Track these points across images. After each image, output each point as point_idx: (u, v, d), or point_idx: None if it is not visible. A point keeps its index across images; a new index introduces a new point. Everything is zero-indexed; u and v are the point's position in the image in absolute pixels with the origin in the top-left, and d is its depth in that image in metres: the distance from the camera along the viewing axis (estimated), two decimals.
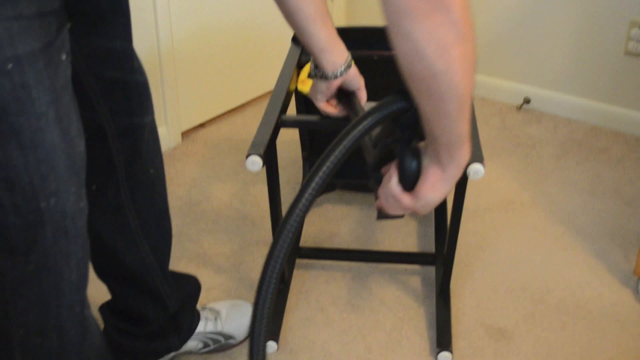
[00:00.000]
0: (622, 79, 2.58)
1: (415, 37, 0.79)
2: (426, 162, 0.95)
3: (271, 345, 1.61)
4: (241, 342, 1.65)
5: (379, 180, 1.05)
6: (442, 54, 0.79)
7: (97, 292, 1.44)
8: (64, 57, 0.95)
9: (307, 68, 1.80)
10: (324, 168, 0.87)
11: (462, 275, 1.86)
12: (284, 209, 1.69)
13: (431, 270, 1.89)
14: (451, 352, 1.61)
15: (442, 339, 1.64)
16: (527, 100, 2.79)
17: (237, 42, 2.65)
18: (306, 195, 0.87)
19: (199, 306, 1.62)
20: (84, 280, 1.07)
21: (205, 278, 1.82)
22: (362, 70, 1.65)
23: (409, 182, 0.97)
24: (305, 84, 1.79)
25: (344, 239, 2.01)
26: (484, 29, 2.77)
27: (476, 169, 1.37)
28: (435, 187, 0.95)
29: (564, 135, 2.61)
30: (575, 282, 1.86)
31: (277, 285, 0.89)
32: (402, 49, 0.81)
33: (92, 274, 1.17)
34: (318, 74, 1.34)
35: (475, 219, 2.08)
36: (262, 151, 1.39)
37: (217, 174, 2.34)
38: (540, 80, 2.78)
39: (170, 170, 2.34)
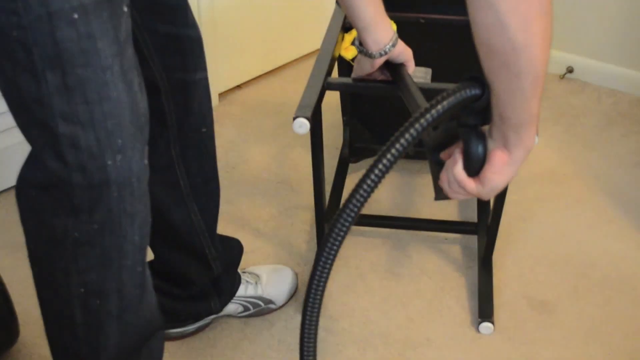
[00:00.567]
0: None
1: (500, 9, 0.77)
2: (491, 146, 0.92)
3: None
4: (280, 307, 1.64)
5: (437, 161, 1.02)
6: (525, 27, 0.78)
7: None
8: (125, 9, 0.93)
9: (351, 34, 1.76)
10: (393, 151, 0.84)
11: (504, 245, 1.83)
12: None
13: (472, 240, 1.86)
14: (493, 323, 1.59)
15: (484, 309, 1.62)
16: (570, 70, 2.72)
17: (276, 4, 2.60)
18: (372, 177, 0.84)
19: (239, 269, 1.61)
20: (146, 241, 1.05)
21: (243, 241, 1.80)
22: (408, 35, 1.61)
23: (475, 168, 0.94)
24: (348, 51, 1.76)
25: (384, 206, 1.99)
26: None
27: None
28: (501, 171, 0.93)
29: (608, 106, 2.54)
30: (619, 256, 1.83)
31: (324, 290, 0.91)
32: (483, 20, 0.79)
33: None
34: (362, 50, 1.30)
35: (517, 189, 2.04)
36: (309, 114, 1.36)
37: (254, 136, 2.31)
38: (585, 50, 2.70)
39: None
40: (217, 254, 1.47)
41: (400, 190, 2.05)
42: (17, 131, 0.96)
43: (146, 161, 1.00)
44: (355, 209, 0.85)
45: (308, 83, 1.49)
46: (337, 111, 2.16)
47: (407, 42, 1.49)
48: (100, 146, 0.91)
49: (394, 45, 1.29)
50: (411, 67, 1.37)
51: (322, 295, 0.94)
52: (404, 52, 1.33)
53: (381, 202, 2.00)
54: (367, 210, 1.96)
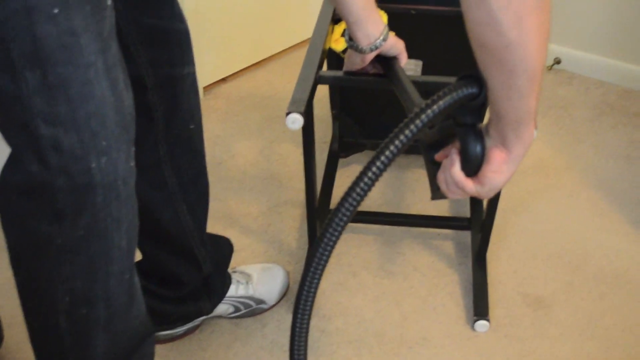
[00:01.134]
0: None
1: (492, 5, 0.74)
2: (489, 144, 0.89)
3: None
4: (272, 306, 1.60)
5: (433, 161, 1.00)
6: (518, 22, 0.75)
7: None
8: (109, 2, 0.89)
9: (341, 26, 1.72)
10: (387, 153, 0.82)
11: (497, 240, 1.81)
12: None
13: (464, 235, 1.83)
14: (488, 320, 1.57)
15: (479, 307, 1.60)
16: (557, 61, 2.70)
17: None
18: (365, 179, 0.82)
19: (229, 269, 1.57)
20: (133, 245, 1.01)
21: (233, 239, 1.76)
22: (399, 26, 1.58)
23: (473, 168, 0.92)
24: (338, 43, 1.72)
25: (375, 202, 1.96)
26: None
27: None
28: (500, 170, 0.90)
29: (597, 97, 2.53)
30: (613, 249, 1.81)
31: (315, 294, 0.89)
32: (475, 16, 0.76)
33: None
34: (353, 45, 1.27)
35: (509, 183, 2.01)
36: (302, 109, 1.32)
37: (241, 130, 2.27)
38: (572, 41, 2.68)
39: None
40: (207, 254, 1.43)
41: (391, 185, 2.01)
42: None
43: (132, 163, 0.96)
44: (349, 212, 0.84)
45: (300, 77, 1.44)
46: (325, 105, 2.12)
47: (398, 34, 1.46)
48: (83, 148, 0.87)
49: (385, 40, 1.26)
50: (403, 60, 1.34)
51: (314, 296, 0.91)
52: (395, 45, 1.30)
53: (372, 197, 1.97)
54: (358, 207, 1.93)
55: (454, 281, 1.70)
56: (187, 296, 1.47)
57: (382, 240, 1.82)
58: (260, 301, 1.58)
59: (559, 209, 1.95)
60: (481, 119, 0.92)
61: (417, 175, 2.05)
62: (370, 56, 1.28)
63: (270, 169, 2.08)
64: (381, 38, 1.25)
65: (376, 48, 1.26)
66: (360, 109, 2.00)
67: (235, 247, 1.59)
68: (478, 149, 0.90)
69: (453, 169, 0.93)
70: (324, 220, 1.87)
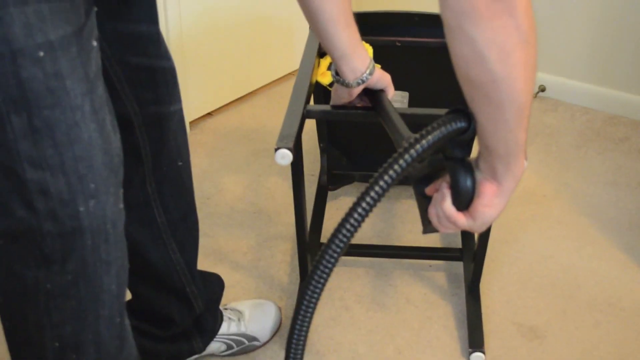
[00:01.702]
0: None
1: (477, 41, 0.74)
2: (479, 177, 0.89)
3: None
4: (265, 343, 1.58)
5: (424, 195, 0.99)
6: (504, 58, 0.75)
7: None
8: (94, 43, 0.88)
9: (327, 59, 1.72)
10: (377, 188, 0.81)
11: (489, 270, 1.80)
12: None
13: (456, 266, 1.82)
14: (484, 352, 1.55)
15: (474, 339, 1.58)
16: (542, 89, 2.72)
17: (245, 30, 2.56)
18: (355, 215, 0.82)
19: (220, 306, 1.55)
20: (123, 288, 0.99)
21: (223, 275, 1.74)
22: (385, 58, 1.58)
23: (464, 202, 0.91)
24: (324, 76, 1.72)
25: (365, 234, 1.94)
26: None
27: None
28: (492, 203, 0.89)
29: (582, 124, 2.54)
30: (605, 277, 1.80)
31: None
32: (461, 52, 0.76)
33: None
34: (339, 79, 1.26)
35: None
36: (291, 144, 1.31)
37: (228, 165, 2.26)
38: (556, 68, 2.71)
39: None
40: (198, 292, 1.41)
41: (381, 217, 2.01)
42: None
43: (121, 205, 0.94)
44: (340, 248, 0.83)
45: (287, 111, 1.44)
46: (312, 137, 2.12)
47: (384, 66, 1.46)
48: (71, 192, 0.86)
49: (371, 74, 1.25)
50: (390, 93, 1.34)
51: (306, 334, 0.90)
52: (382, 79, 1.30)
53: (362, 229, 1.93)
54: None
55: (447, 313, 1.68)
56: (178, 335, 1.45)
57: (373, 273, 1.80)
58: (252, 338, 1.55)
59: (549, 237, 1.95)
60: (470, 152, 0.92)
61: (407, 206, 2.04)
62: (357, 90, 1.28)
63: (259, 204, 2.07)
64: (367, 72, 1.24)
65: (362, 82, 1.25)
66: (348, 142, 2.00)
67: (226, 284, 1.57)
68: (468, 182, 0.90)
69: (444, 203, 0.92)
70: (315, 254, 1.85)
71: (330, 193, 2.07)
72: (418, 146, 0.82)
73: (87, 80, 0.85)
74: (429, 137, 0.83)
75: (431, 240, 1.91)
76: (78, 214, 0.87)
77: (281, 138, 1.34)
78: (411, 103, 1.78)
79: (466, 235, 1.83)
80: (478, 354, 1.54)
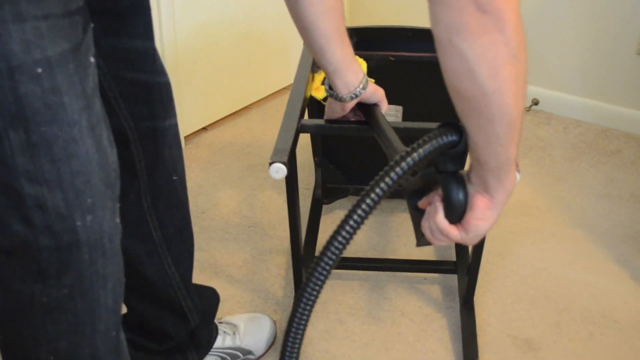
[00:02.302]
0: (634, 80, 2.53)
1: (467, 56, 0.75)
2: (471, 190, 0.89)
3: None
4: (260, 357, 1.58)
5: (417, 208, 1.00)
6: (494, 73, 0.76)
7: None
8: (92, 59, 0.88)
9: (321, 74, 1.73)
10: (368, 201, 0.82)
11: (483, 283, 1.81)
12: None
13: (451, 279, 1.83)
14: None
15: (469, 351, 1.59)
16: (535, 102, 2.74)
17: (240, 44, 2.58)
18: (347, 228, 0.82)
19: (215, 319, 1.55)
20: (120, 302, 0.99)
21: (218, 289, 1.74)
22: (378, 72, 1.60)
23: (457, 215, 0.92)
24: (319, 91, 1.73)
25: (360, 247, 1.95)
26: None
27: None
28: (484, 216, 0.90)
29: (575, 137, 2.56)
30: (599, 289, 1.81)
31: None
32: (452, 67, 0.77)
33: None
34: (332, 94, 1.28)
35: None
36: (285, 158, 1.32)
37: (223, 179, 2.26)
38: (549, 82, 2.73)
39: None
40: (194, 306, 1.41)
41: (376, 230, 2.01)
42: None
43: (118, 219, 0.95)
44: (332, 260, 0.83)
45: (282, 126, 1.45)
46: (307, 151, 2.13)
47: (377, 80, 1.47)
48: (68, 206, 0.86)
49: (364, 88, 1.27)
50: (384, 107, 1.35)
51: (299, 347, 0.90)
52: (375, 93, 1.31)
53: (357, 242, 1.96)
54: (343, 252, 1.92)
55: (442, 326, 1.69)
56: (173, 349, 1.45)
57: (368, 286, 1.81)
58: (247, 352, 1.55)
59: (543, 250, 1.96)
60: (462, 165, 0.92)
61: (401, 219, 2.05)
62: (351, 104, 1.29)
63: (254, 217, 2.07)
64: (360, 87, 1.26)
65: (356, 96, 1.27)
66: (343, 156, 2.01)
67: (221, 297, 1.57)
68: (461, 195, 0.90)
69: (437, 217, 0.92)
70: (308, 267, 1.86)
71: (325, 207, 2.08)
72: (409, 159, 0.83)
73: (85, 96, 0.85)
74: (420, 151, 0.84)
75: (426, 253, 1.92)
76: (75, 228, 0.87)
77: (275, 152, 1.35)
78: (405, 117, 1.80)
79: (460, 248, 1.84)
80: None
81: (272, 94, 2.83)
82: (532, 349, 1.62)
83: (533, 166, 2.36)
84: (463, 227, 0.92)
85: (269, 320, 1.62)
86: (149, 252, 1.31)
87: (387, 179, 0.82)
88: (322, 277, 0.84)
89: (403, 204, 2.02)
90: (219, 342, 1.52)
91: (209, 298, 1.51)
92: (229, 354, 1.53)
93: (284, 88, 2.86)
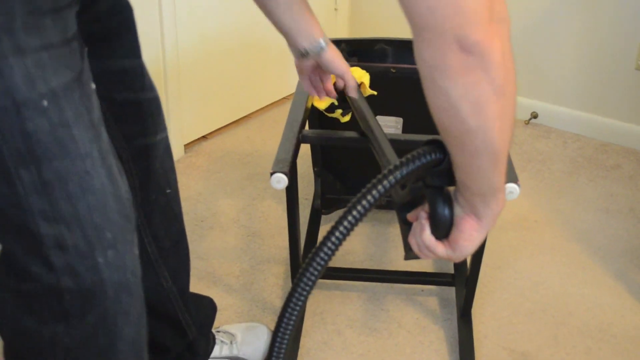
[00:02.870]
0: (633, 95, 2.55)
1: (450, 94, 0.73)
2: (459, 212, 0.89)
3: None
4: None
5: (406, 221, 1.00)
6: (478, 111, 0.74)
7: None
8: (93, 85, 0.86)
9: None
10: (350, 218, 0.82)
11: (481, 296, 1.81)
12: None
13: (448, 291, 1.83)
14: None
15: None
16: (534, 116, 2.74)
17: (241, 54, 2.59)
18: (327, 246, 0.82)
19: (212, 329, 1.55)
20: (143, 333, 0.97)
21: (215, 298, 1.74)
22: (380, 84, 1.60)
23: (442, 231, 0.91)
24: (321, 101, 1.74)
25: (358, 258, 1.95)
26: None
27: (511, 188, 1.32)
28: (471, 238, 0.89)
29: (574, 151, 2.57)
30: (596, 303, 1.81)
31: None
32: (435, 103, 0.76)
33: None
34: (293, 51, 1.30)
35: (490, 237, 2.02)
36: (287, 169, 1.33)
37: (222, 188, 2.27)
38: (548, 96, 2.74)
39: None
40: (191, 319, 1.40)
41: (374, 241, 2.02)
42: None
43: (136, 250, 0.91)
44: (314, 275, 0.83)
45: (283, 136, 1.46)
46: (306, 162, 2.14)
47: (379, 92, 1.48)
48: (88, 243, 0.83)
49: (320, 49, 1.28)
50: (349, 82, 1.37)
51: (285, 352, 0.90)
52: (336, 61, 1.31)
53: (355, 253, 1.96)
54: (341, 263, 1.93)
55: (439, 338, 1.69)
56: (171, 358, 1.44)
57: (365, 297, 1.81)
58: None
59: (540, 263, 1.96)
60: (451, 181, 0.92)
61: (399, 231, 2.04)
62: (308, 63, 1.32)
63: (253, 227, 2.08)
64: (313, 46, 1.28)
65: (309, 54, 1.28)
66: (342, 166, 2.02)
67: (219, 306, 1.57)
68: (446, 211, 0.90)
69: (423, 234, 0.91)
70: None
71: (323, 217, 2.08)
72: (391, 177, 0.83)
73: (93, 126, 0.83)
74: (402, 170, 0.83)
75: (423, 265, 1.92)
76: (97, 265, 0.84)
77: (277, 162, 1.36)
78: (405, 129, 1.81)
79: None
80: None
81: (272, 103, 2.84)
82: None
83: (532, 179, 2.36)
84: (450, 246, 0.91)
85: (266, 329, 1.62)
86: (145, 267, 1.28)
87: (368, 197, 0.82)
88: (307, 289, 0.83)
89: None
90: (216, 352, 1.52)
91: (206, 308, 1.51)
92: None
93: (283, 98, 2.87)
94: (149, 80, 1.19)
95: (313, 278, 0.83)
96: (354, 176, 2.02)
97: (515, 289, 1.85)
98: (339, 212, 2.08)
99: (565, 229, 2.11)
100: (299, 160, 1.48)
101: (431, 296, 1.82)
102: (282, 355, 0.87)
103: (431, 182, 0.90)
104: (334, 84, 1.43)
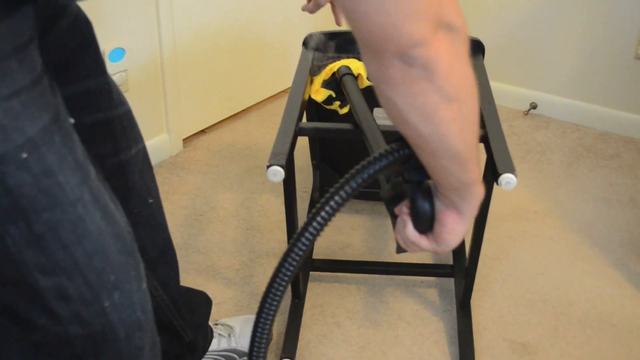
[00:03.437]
0: (632, 84, 2.54)
1: (396, 103, 0.72)
2: (440, 206, 0.88)
3: None
4: None
5: (393, 213, 0.99)
6: (426, 119, 0.73)
7: None
8: (72, 120, 0.82)
9: (320, 77, 1.73)
10: (319, 218, 0.82)
11: (480, 287, 1.80)
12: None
13: (448, 282, 1.83)
14: None
15: (466, 355, 1.58)
16: (533, 106, 2.74)
17: (238, 47, 2.58)
18: (295, 251, 0.83)
19: (211, 321, 1.54)
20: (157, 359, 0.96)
21: (215, 292, 1.76)
22: None
23: (424, 225, 0.91)
24: (319, 93, 1.73)
25: (357, 250, 1.95)
26: (490, 33, 2.71)
27: (508, 179, 1.31)
28: (454, 231, 0.87)
29: (573, 141, 2.56)
30: (596, 293, 1.81)
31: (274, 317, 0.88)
32: (386, 111, 0.75)
33: None
34: None
35: (490, 228, 2.01)
36: (283, 161, 1.33)
37: (221, 182, 2.26)
38: (547, 86, 2.73)
39: (173, 178, 2.27)
40: (186, 323, 1.38)
41: (373, 233, 2.01)
42: None
43: (144, 285, 0.89)
44: (289, 271, 0.83)
45: (280, 129, 1.45)
46: (305, 154, 2.13)
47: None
48: (92, 290, 0.81)
49: None
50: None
51: (266, 348, 0.91)
52: None
53: (354, 246, 1.96)
54: (340, 255, 1.93)
55: (439, 329, 1.69)
56: (169, 358, 1.43)
57: (365, 289, 1.81)
58: (243, 354, 1.55)
59: (540, 254, 1.96)
60: (428, 175, 0.92)
61: None
62: None
63: (252, 220, 2.07)
64: None
65: None
66: (340, 159, 2.01)
67: (218, 300, 1.57)
68: (426, 206, 0.89)
69: (406, 230, 0.90)
70: (306, 271, 1.86)
71: None
72: (359, 178, 0.83)
73: (79, 167, 0.79)
74: (370, 169, 0.83)
75: (422, 257, 1.92)
76: (104, 309, 0.82)
77: (273, 155, 1.36)
78: None
79: (457, 252, 1.84)
80: None
81: (271, 97, 2.83)
82: (529, 353, 1.62)
83: (531, 170, 2.36)
84: (434, 240, 0.90)
85: None
86: None
87: (335, 197, 0.82)
88: (280, 288, 0.85)
89: None
90: (214, 345, 1.52)
91: (201, 307, 1.48)
92: (224, 356, 1.53)
93: (282, 91, 2.87)
94: (117, 95, 1.11)
95: (283, 285, 0.84)
96: (352, 168, 2.01)
97: (514, 280, 1.85)
98: None
99: (564, 219, 2.10)
100: (298, 153, 1.47)
101: (430, 288, 1.82)
102: (265, 335, 0.88)
103: (409, 177, 0.89)
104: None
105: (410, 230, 0.90)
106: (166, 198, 2.14)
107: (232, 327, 1.58)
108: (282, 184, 1.41)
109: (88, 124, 1.05)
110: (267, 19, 2.63)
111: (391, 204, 0.98)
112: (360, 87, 1.58)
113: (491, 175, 1.34)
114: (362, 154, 1.88)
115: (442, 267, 1.85)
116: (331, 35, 1.81)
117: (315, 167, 2.04)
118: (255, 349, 0.89)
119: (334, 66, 1.71)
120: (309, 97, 1.73)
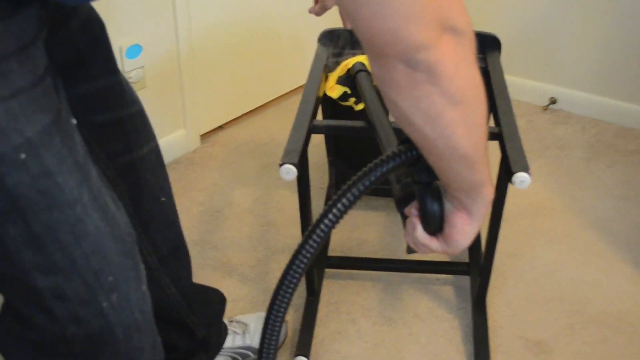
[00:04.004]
0: None
1: (401, 107, 0.72)
2: (449, 207, 0.87)
3: None
4: None
5: (404, 215, 0.99)
6: (432, 122, 0.72)
7: None
8: (74, 121, 0.82)
9: (335, 73, 1.73)
10: (327, 220, 0.82)
11: (496, 284, 1.80)
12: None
13: (463, 280, 1.82)
14: None
15: (481, 353, 1.58)
16: (553, 101, 2.72)
17: (255, 43, 2.59)
18: (305, 249, 0.83)
19: (225, 318, 1.55)
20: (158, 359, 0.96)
21: (230, 289, 1.76)
22: None
23: (434, 226, 0.90)
24: (333, 90, 1.73)
25: (372, 247, 1.95)
26: (509, 28, 2.69)
27: (522, 178, 1.31)
28: (464, 231, 0.87)
29: (593, 136, 2.54)
30: (613, 292, 1.80)
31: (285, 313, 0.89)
32: (393, 114, 0.75)
33: None
34: None
35: (506, 225, 2.00)
36: (296, 159, 1.33)
37: (238, 178, 2.27)
38: (567, 81, 2.71)
39: (191, 174, 2.28)
40: (198, 320, 1.39)
41: (388, 230, 2.01)
42: None
43: (144, 286, 0.90)
44: (298, 274, 0.84)
45: (293, 126, 1.45)
46: (321, 150, 2.13)
47: None
48: (90, 290, 0.81)
49: None
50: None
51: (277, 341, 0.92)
52: None
53: (370, 243, 1.96)
54: (356, 252, 1.93)
55: (454, 327, 1.68)
56: (183, 356, 1.44)
57: (380, 287, 1.81)
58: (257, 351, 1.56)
59: (557, 251, 1.94)
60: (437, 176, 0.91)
61: None
62: None
63: (268, 217, 2.08)
64: None
65: None
66: (355, 155, 2.01)
67: (233, 297, 1.58)
68: (435, 207, 0.88)
69: (416, 232, 0.90)
70: (321, 268, 1.86)
71: None
72: (366, 180, 0.83)
73: (78, 168, 0.79)
74: (377, 172, 0.83)
75: (438, 255, 1.89)
76: (102, 310, 0.83)
77: (286, 153, 1.36)
78: None
79: (473, 249, 1.83)
80: None
81: (289, 92, 2.84)
82: (544, 352, 1.61)
83: (549, 166, 2.34)
84: (444, 241, 0.89)
85: None
86: (147, 277, 1.29)
87: (343, 200, 0.82)
88: (292, 285, 0.85)
89: None
90: (228, 342, 1.52)
91: (214, 304, 1.49)
92: (239, 354, 1.54)
93: (300, 86, 2.87)
94: (130, 94, 1.12)
95: (298, 275, 0.84)
96: (365, 166, 2.01)
97: (530, 277, 1.84)
98: None
99: (582, 216, 2.09)
100: (315, 149, 1.47)
101: (446, 285, 1.81)
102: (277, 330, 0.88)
103: (418, 178, 0.89)
104: None
105: (420, 231, 0.90)
106: (183, 194, 2.15)
107: (246, 325, 1.58)
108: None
109: (99, 122, 1.06)
110: (284, 13, 2.63)
111: (401, 205, 0.98)
112: (374, 84, 1.58)
113: (505, 174, 1.33)
114: (377, 151, 1.89)
115: (457, 265, 1.85)
116: (345, 33, 1.80)
117: (330, 163, 2.04)
118: (266, 344, 0.90)
119: (349, 62, 1.71)
120: (324, 93, 1.73)
